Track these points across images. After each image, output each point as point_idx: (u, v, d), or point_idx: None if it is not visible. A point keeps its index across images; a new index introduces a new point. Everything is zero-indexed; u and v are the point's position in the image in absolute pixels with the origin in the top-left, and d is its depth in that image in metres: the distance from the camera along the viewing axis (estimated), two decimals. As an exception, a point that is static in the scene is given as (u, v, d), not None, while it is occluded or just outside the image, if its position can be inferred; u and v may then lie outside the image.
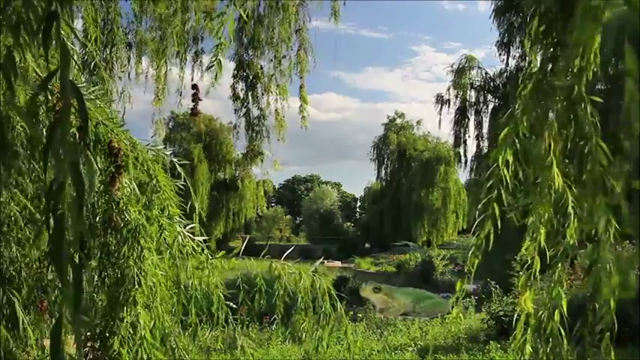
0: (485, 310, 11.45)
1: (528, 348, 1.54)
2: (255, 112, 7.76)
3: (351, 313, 11.99)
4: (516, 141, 1.41)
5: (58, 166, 0.84)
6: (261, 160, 8.99)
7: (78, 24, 4.07)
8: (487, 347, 9.00)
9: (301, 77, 7.15)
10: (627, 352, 8.17)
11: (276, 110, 7.54)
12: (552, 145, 1.36)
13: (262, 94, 7.48)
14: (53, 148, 0.84)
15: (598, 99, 1.33)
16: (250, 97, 7.62)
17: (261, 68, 7.25)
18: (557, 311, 1.41)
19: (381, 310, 16.76)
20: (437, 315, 14.35)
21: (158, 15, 5.93)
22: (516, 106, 1.41)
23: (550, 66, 1.30)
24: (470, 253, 1.58)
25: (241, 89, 7.62)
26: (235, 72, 7.44)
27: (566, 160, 1.37)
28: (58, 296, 2.11)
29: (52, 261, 1.04)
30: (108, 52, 5.41)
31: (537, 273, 1.51)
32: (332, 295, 2.52)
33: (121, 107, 6.32)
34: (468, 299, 13.99)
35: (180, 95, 7.10)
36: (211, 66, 1.34)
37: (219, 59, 1.35)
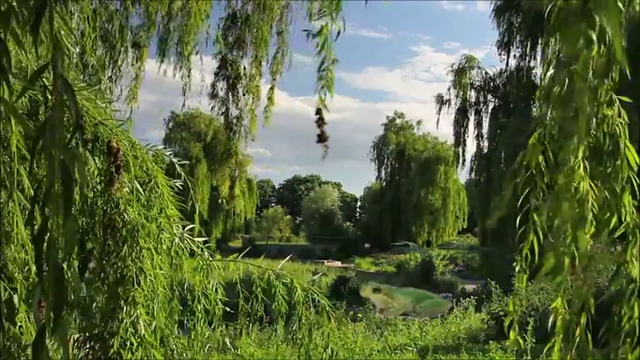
0: (486, 310, 11.43)
1: (557, 347, 1.51)
2: (234, 112, 7.80)
3: (351, 313, 11.97)
4: (546, 145, 1.37)
5: (48, 165, 0.82)
6: (236, 161, 9.02)
7: (77, 25, 4.06)
8: (487, 347, 8.99)
9: (274, 79, 7.23)
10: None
11: (251, 110, 7.61)
12: (579, 146, 1.33)
13: (244, 94, 7.52)
14: (43, 145, 0.82)
15: (626, 99, 1.30)
16: (230, 97, 7.66)
17: (244, 68, 7.28)
18: (583, 314, 1.37)
19: (381, 310, 16.76)
20: (437, 315, 14.34)
21: (152, 14, 5.95)
22: (545, 109, 1.38)
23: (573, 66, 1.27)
24: (517, 268, 1.52)
25: (221, 88, 7.64)
26: (217, 70, 7.47)
27: (593, 162, 1.34)
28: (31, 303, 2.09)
29: (36, 267, 1.00)
30: (103, 52, 5.41)
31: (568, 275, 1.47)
32: (328, 312, 2.51)
33: (128, 107, 6.36)
34: (467, 299, 13.98)
35: (184, 95, 7.10)
36: (323, 86, 1.24)
37: (330, 77, 1.25)
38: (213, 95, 7.75)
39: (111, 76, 5.89)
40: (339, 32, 1.25)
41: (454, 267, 30.39)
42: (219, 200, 39.86)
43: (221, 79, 7.53)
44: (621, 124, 1.31)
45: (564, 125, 1.33)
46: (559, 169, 1.33)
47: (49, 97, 2.29)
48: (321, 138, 1.34)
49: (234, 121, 7.88)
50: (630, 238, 1.36)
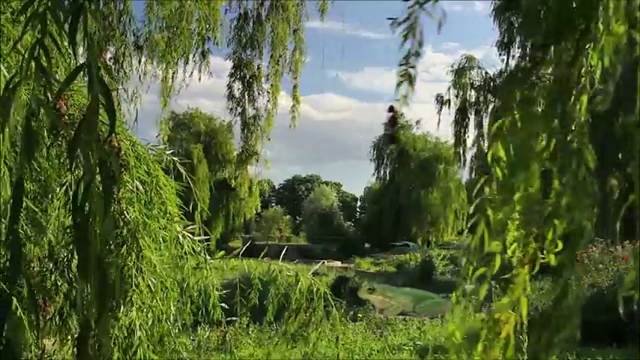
0: (486, 310, 11.43)
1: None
2: (250, 111, 7.81)
3: (351, 313, 11.98)
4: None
5: (85, 166, 0.83)
6: (257, 160, 9.05)
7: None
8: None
9: (295, 77, 7.23)
10: (627, 352, 8.16)
11: (267, 110, 7.63)
12: (534, 141, 1.27)
13: (259, 94, 7.54)
14: (80, 146, 0.83)
15: (590, 93, 1.26)
16: (247, 97, 7.67)
17: (259, 68, 7.29)
18: (513, 317, 1.30)
19: (380, 310, 16.77)
20: (437, 315, 14.34)
21: (166, 15, 5.94)
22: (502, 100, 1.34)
23: (541, 55, 1.24)
24: (464, 260, 1.46)
25: (238, 89, 7.65)
26: (232, 71, 7.48)
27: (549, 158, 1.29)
28: (73, 301, 2.09)
29: (79, 266, 1.03)
30: (114, 53, 5.43)
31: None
32: (328, 299, 2.52)
33: (132, 109, 6.39)
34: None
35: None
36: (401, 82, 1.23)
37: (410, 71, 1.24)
38: (230, 97, 7.78)
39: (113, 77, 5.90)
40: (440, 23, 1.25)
41: (454, 267, 30.37)
42: (225, 200, 39.84)
43: (237, 79, 7.56)
44: (582, 120, 1.25)
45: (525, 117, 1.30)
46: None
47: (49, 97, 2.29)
48: (391, 139, 1.33)
49: (251, 120, 7.91)
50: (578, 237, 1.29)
